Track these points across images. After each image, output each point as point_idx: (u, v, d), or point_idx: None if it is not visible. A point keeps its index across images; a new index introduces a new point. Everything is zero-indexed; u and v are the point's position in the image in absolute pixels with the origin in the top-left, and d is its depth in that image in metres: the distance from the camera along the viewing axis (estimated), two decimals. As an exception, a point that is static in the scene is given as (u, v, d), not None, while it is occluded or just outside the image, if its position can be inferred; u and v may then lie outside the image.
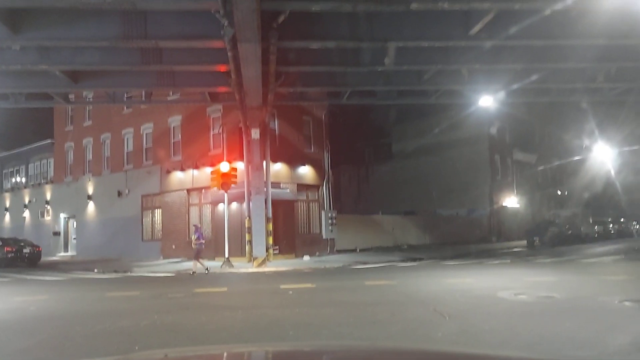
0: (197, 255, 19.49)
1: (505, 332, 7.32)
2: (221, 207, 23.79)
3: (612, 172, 41.32)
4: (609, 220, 42.70)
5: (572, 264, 20.06)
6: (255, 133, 22.10)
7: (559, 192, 49.92)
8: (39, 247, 27.85)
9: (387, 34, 17.35)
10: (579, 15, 15.73)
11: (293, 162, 27.24)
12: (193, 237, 19.94)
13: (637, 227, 47.35)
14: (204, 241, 20.31)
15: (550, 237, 32.54)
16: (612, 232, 41.24)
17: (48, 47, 17.59)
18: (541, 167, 45.98)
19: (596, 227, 39.28)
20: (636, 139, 37.35)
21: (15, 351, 6.91)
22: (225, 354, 2.78)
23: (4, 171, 46.63)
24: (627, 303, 9.63)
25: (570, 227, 35.26)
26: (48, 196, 38.53)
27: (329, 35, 17.53)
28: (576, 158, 41.85)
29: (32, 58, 17.90)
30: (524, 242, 34.11)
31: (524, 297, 10.44)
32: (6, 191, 45.24)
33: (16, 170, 45.05)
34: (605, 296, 10.32)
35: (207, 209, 27.03)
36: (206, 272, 19.06)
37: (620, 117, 35.67)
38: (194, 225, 21.15)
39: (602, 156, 37.81)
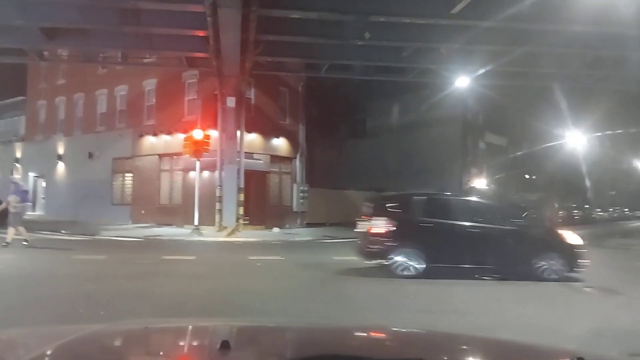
0: (17, 220, 14.53)
1: (463, 317, 7.29)
2: (193, 174, 23.61)
3: (580, 160, 42.07)
4: (574, 206, 43.50)
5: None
6: (230, 101, 21.93)
7: (528, 176, 50.61)
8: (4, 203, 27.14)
9: (369, 7, 17.45)
10: (559, 0, 15.92)
11: (267, 133, 27.14)
12: (12, 198, 14.55)
13: (601, 214, 48.46)
14: (29, 203, 16.93)
15: None
16: (576, 217, 42.01)
17: (25, 2, 17.15)
18: (512, 153, 46.50)
19: (560, 212, 40.21)
20: (604, 127, 38.00)
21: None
22: (210, 327, 2.67)
23: (-28, 127, 45.26)
24: (587, 289, 9.91)
25: (535, 211, 35.90)
26: (18, 154, 37.61)
27: (310, 5, 17.56)
28: (546, 145, 42.35)
29: (9, 13, 17.44)
30: None
31: (488, 281, 10.50)
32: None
33: (-15, 126, 43.88)
34: (567, 281, 10.40)
35: (179, 176, 26.77)
36: (25, 243, 14.38)
37: (589, 105, 36.17)
38: (13, 183, 15.20)
39: (572, 143, 38.38)
